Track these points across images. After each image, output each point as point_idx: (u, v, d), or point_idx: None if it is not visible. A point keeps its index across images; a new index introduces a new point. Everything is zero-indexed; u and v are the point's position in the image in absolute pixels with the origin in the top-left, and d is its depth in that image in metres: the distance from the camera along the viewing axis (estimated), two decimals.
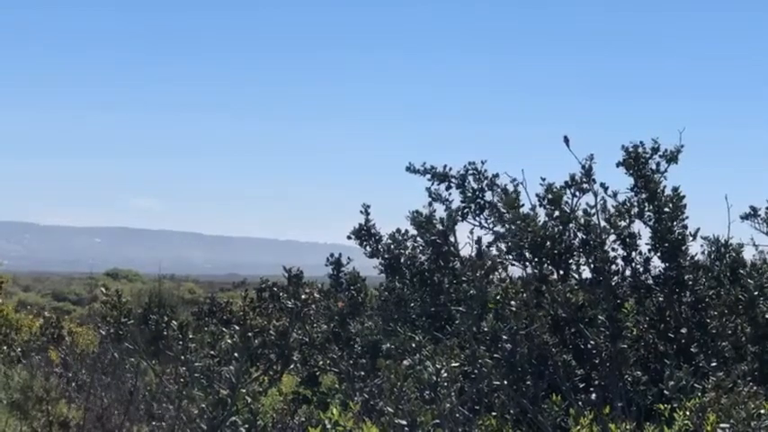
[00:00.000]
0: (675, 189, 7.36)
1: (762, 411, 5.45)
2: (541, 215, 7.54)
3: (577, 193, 7.49)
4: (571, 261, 7.42)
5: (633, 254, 7.44)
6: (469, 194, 8.00)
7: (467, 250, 8.01)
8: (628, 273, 7.50)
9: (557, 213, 7.49)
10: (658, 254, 7.38)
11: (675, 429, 5.46)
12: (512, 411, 6.51)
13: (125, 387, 8.29)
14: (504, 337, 6.62)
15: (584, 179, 7.43)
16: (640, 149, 7.40)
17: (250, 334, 7.08)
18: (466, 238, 8.00)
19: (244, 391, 5.64)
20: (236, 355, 6.38)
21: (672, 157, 7.42)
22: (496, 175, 7.95)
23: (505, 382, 6.56)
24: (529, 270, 7.49)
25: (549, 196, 7.50)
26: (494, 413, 6.37)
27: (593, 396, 6.68)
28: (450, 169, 8.10)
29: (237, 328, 7.24)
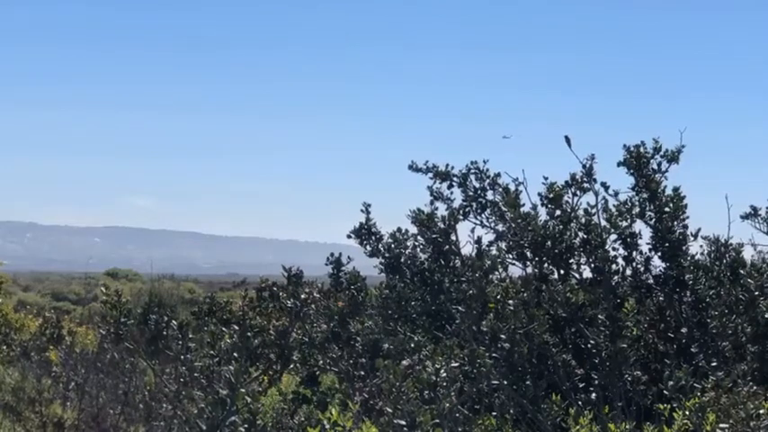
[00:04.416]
0: (676, 189, 7.36)
1: (761, 411, 5.45)
2: (542, 214, 7.56)
3: (578, 193, 7.50)
4: (572, 260, 7.42)
5: (634, 253, 7.44)
6: (471, 193, 8.03)
7: (467, 249, 8.02)
8: (628, 272, 7.50)
9: (558, 213, 7.49)
10: (659, 253, 7.38)
11: (675, 429, 5.45)
12: (511, 411, 6.51)
13: (123, 387, 8.29)
14: (503, 336, 6.62)
15: (585, 179, 7.44)
16: (642, 149, 7.40)
17: (250, 334, 7.08)
18: (467, 237, 8.01)
19: (243, 390, 5.62)
20: (235, 354, 6.37)
21: (673, 157, 7.42)
22: (498, 175, 7.99)
23: (505, 382, 6.55)
24: (529, 269, 7.49)
25: (550, 195, 7.51)
26: (493, 413, 6.36)
27: (593, 396, 6.68)
28: (453, 168, 8.15)
29: (237, 327, 7.24)
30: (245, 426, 5.52)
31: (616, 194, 7.43)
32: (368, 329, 7.58)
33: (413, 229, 8.23)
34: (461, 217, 8.01)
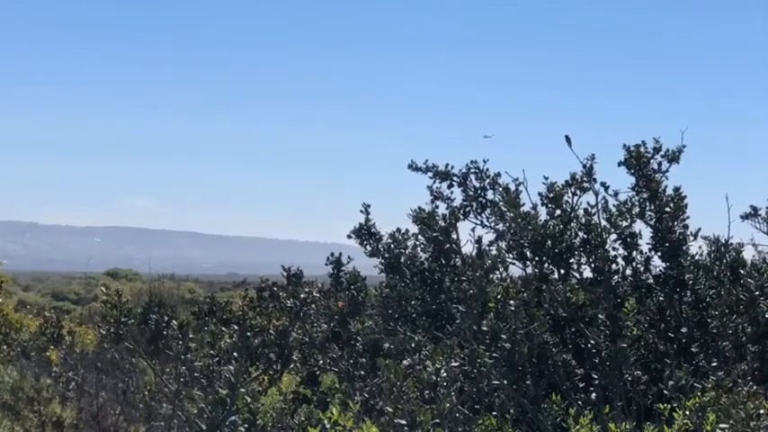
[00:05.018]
0: (677, 189, 7.36)
1: (761, 411, 5.44)
2: (542, 214, 7.56)
3: (578, 193, 7.50)
4: (572, 260, 7.42)
5: (634, 253, 7.43)
6: (471, 193, 8.03)
7: (468, 248, 8.02)
8: (628, 272, 7.49)
9: (558, 212, 7.49)
10: (659, 253, 7.37)
11: (675, 429, 5.46)
12: (512, 411, 6.51)
13: (122, 386, 8.29)
14: (503, 336, 6.62)
15: (586, 178, 7.43)
16: (642, 149, 7.40)
17: (250, 334, 7.08)
18: (467, 236, 8.02)
19: (243, 390, 5.63)
20: (235, 354, 6.37)
21: (673, 157, 7.42)
22: (498, 174, 8.00)
23: (505, 382, 6.55)
24: (529, 269, 7.49)
25: (551, 195, 7.51)
26: (494, 413, 6.36)
27: (593, 395, 6.68)
28: (453, 168, 8.16)
29: (237, 327, 7.24)
30: (245, 425, 5.52)
31: (616, 194, 7.43)
32: (368, 329, 7.58)
33: (413, 229, 8.25)
34: (461, 216, 8.02)
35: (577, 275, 7.43)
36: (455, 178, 8.14)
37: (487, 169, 8.04)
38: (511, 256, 7.54)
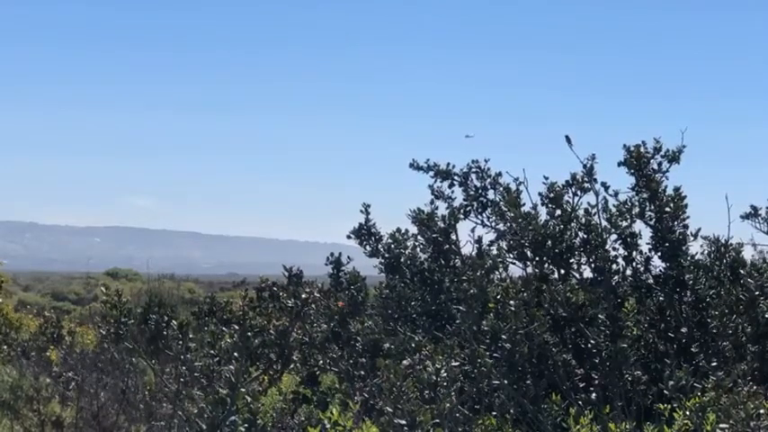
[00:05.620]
0: (677, 189, 7.36)
1: (761, 411, 5.44)
2: (543, 214, 7.56)
3: (579, 193, 7.51)
4: (572, 260, 7.42)
5: (634, 253, 7.44)
6: (472, 192, 8.03)
7: (468, 248, 8.03)
8: (628, 272, 7.50)
9: (558, 212, 7.50)
10: (659, 253, 7.38)
11: (675, 429, 5.46)
12: (512, 411, 6.51)
13: (122, 385, 8.30)
14: (504, 336, 6.62)
15: (586, 178, 7.44)
16: (642, 149, 7.40)
17: (250, 334, 7.08)
18: (467, 236, 8.02)
19: (243, 390, 5.63)
20: (235, 354, 6.38)
21: (673, 157, 7.42)
22: (499, 174, 8.00)
23: (506, 382, 6.55)
24: (530, 269, 7.49)
25: (551, 195, 7.51)
26: (494, 413, 6.36)
27: (593, 395, 6.68)
28: (454, 167, 8.16)
29: (237, 327, 7.24)
30: (245, 425, 5.52)
31: (616, 194, 7.44)
32: (368, 329, 7.58)
33: (413, 229, 8.24)
34: (462, 216, 8.02)
35: (577, 275, 7.44)
36: (456, 177, 8.15)
37: (488, 169, 8.06)
38: (511, 256, 7.54)
